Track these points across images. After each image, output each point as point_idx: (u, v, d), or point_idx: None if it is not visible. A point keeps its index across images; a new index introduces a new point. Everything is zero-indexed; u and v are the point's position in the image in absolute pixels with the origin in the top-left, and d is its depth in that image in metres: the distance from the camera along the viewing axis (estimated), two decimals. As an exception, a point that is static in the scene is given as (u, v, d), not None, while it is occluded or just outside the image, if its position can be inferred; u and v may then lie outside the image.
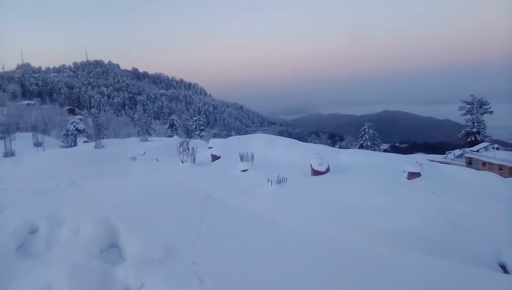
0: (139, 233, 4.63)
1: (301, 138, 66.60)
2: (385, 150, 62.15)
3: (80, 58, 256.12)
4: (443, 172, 16.41)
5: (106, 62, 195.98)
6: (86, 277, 3.69)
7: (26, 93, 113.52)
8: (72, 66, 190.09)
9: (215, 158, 20.62)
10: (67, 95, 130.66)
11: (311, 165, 15.88)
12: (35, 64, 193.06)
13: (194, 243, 4.52)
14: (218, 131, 73.79)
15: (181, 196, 6.48)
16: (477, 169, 32.70)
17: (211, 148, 22.30)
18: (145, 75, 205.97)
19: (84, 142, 37.88)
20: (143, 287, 3.67)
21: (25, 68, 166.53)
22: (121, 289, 3.72)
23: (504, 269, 7.21)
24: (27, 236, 4.95)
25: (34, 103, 78.48)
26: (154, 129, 67.78)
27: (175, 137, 35.89)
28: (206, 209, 5.81)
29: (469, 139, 50.66)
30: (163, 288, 3.53)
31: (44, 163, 18.83)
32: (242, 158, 17.77)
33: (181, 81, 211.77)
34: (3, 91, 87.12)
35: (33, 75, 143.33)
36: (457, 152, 48.56)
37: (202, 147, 24.30)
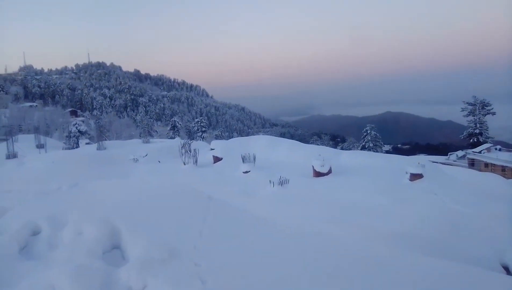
0: (142, 235, 4.64)
1: (303, 139, 66.66)
2: (387, 152, 62.03)
3: (82, 60, 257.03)
4: (445, 173, 16.37)
5: (108, 64, 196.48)
6: (89, 279, 3.70)
7: (28, 95, 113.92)
8: (74, 68, 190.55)
9: (217, 159, 20.62)
10: (69, 97, 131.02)
11: (313, 167, 15.87)
12: (37, 66, 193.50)
13: (196, 245, 4.53)
14: (220, 133, 73.88)
15: (183, 197, 6.49)
16: (480, 170, 32.63)
17: (213, 149, 22.28)
18: (147, 76, 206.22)
19: (86, 143, 37.91)
20: (145, 288, 3.68)
21: (27, 70, 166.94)
22: (124, 291, 3.73)
23: (507, 270, 7.20)
24: (29, 237, 4.96)
25: (36, 105, 78.67)
26: (156, 131, 67.88)
27: (177, 139, 35.93)
28: (208, 210, 5.82)
29: (471, 140, 50.57)
30: (165, 290, 3.54)
31: (46, 165, 18.87)
32: (244, 159, 17.77)
33: (183, 82, 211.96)
34: (6, 93, 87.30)
35: (35, 77, 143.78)
36: (460, 153, 48.50)
37: (204, 149, 24.31)
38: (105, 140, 34.00)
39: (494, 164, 36.54)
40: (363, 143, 54.60)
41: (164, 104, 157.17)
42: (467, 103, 52.14)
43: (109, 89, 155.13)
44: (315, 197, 12.45)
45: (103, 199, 6.19)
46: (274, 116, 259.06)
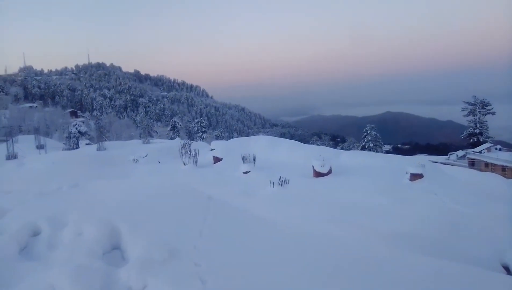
0: (142, 235, 4.64)
1: (303, 139, 66.66)
2: (387, 152, 62.02)
3: (82, 61, 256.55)
4: (445, 173, 16.38)
5: (108, 64, 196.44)
6: (89, 279, 3.69)
7: (28, 96, 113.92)
8: (74, 68, 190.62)
9: (217, 160, 20.63)
10: (69, 98, 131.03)
11: (313, 167, 15.87)
12: (37, 66, 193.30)
13: (196, 245, 4.52)
14: (220, 133, 73.88)
15: (183, 197, 6.49)
16: (480, 170, 32.62)
17: (213, 150, 22.29)
18: (147, 77, 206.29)
19: (86, 144, 37.90)
20: (145, 288, 3.68)
21: (27, 71, 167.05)
22: (124, 291, 3.73)
23: (507, 270, 7.19)
24: (29, 238, 4.96)
25: (36, 106, 78.68)
26: (156, 131, 67.91)
27: (177, 139, 35.95)
28: (208, 210, 5.82)
29: (471, 140, 50.57)
30: (165, 290, 3.53)
31: (46, 166, 18.87)
32: (244, 160, 17.77)
33: (183, 83, 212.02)
34: (6, 94, 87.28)
35: (35, 78, 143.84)
36: (460, 153, 48.48)
37: (204, 149, 24.32)
38: (105, 140, 34.04)
39: (494, 164, 36.52)
40: (363, 143, 54.60)
41: (164, 104, 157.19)
42: (467, 103, 52.14)
43: (109, 89, 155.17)
44: (315, 197, 12.45)
45: (103, 199, 6.19)
46: (274, 116, 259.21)
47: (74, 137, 40.68)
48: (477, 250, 7.87)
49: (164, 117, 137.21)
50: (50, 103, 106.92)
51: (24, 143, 30.02)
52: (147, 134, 50.96)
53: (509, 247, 7.85)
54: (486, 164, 37.70)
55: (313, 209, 10.50)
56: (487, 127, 50.81)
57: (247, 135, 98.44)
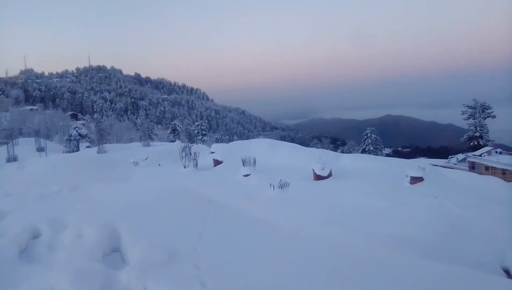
0: (142, 237, 4.64)
1: (303, 142, 66.61)
2: (387, 155, 62.04)
3: (82, 64, 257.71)
4: (445, 177, 16.36)
5: (108, 67, 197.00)
6: (89, 281, 3.69)
7: (29, 99, 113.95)
8: (74, 71, 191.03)
9: (217, 163, 20.62)
10: (70, 101, 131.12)
11: (313, 170, 15.85)
12: (38, 69, 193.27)
13: (196, 247, 4.52)
14: (220, 136, 73.88)
15: (184, 200, 6.49)
16: (480, 173, 32.60)
17: (213, 153, 22.27)
18: (147, 80, 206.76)
19: (86, 147, 37.92)
20: (145, 291, 3.67)
21: (28, 74, 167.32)
22: (124, 293, 3.72)
23: (507, 273, 7.17)
24: (29, 240, 4.96)
25: (37, 109, 78.67)
26: (157, 134, 67.88)
27: (178, 142, 35.93)
28: (208, 213, 5.82)
29: (472, 143, 50.52)
30: (165, 292, 3.53)
31: (47, 168, 18.87)
32: (244, 163, 17.76)
33: (184, 86, 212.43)
34: (6, 97, 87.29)
35: (36, 80, 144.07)
36: (460, 156, 48.48)
37: (204, 152, 24.30)
38: (106, 143, 34.01)
39: (494, 167, 36.52)
40: (364, 146, 54.56)
41: (164, 107, 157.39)
42: (467, 106, 52.13)
43: (109, 92, 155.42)
44: (315, 200, 12.44)
45: (104, 202, 6.19)
46: (274, 119, 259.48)
47: (74, 139, 40.64)
48: (478, 253, 7.85)
49: (164, 120, 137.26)
50: (50, 105, 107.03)
51: (25, 146, 30.05)
52: (148, 137, 50.97)
53: (510, 250, 7.84)
54: (487, 167, 37.69)
55: (313, 212, 10.49)
56: (488, 131, 50.78)
57: (248, 138, 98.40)
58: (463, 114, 52.75)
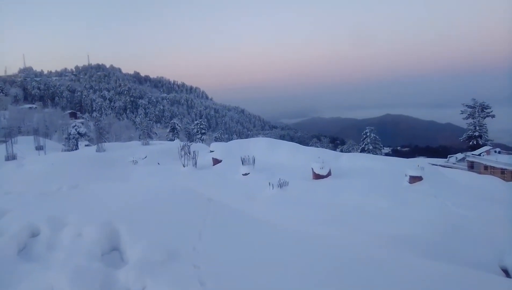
0: (141, 236, 4.64)
1: (303, 142, 66.65)
2: (386, 154, 62.15)
3: (82, 62, 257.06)
4: (445, 176, 16.37)
5: (108, 66, 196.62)
6: (88, 280, 3.69)
7: (28, 97, 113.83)
8: (74, 70, 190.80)
9: (216, 162, 20.62)
10: (69, 99, 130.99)
11: (312, 169, 15.86)
12: (37, 68, 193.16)
13: (195, 246, 4.52)
14: (219, 135, 73.91)
15: (183, 199, 6.48)
16: (479, 173, 32.67)
17: (212, 152, 22.29)
18: (146, 79, 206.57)
19: (85, 145, 37.92)
20: (144, 290, 3.67)
21: (27, 72, 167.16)
22: (123, 293, 3.72)
23: (506, 273, 7.19)
24: (28, 239, 4.95)
25: (36, 107, 78.60)
26: (156, 133, 67.90)
27: (177, 141, 35.94)
28: (207, 212, 5.81)
29: (471, 143, 50.60)
30: (164, 292, 3.53)
31: (45, 167, 18.84)
32: (243, 162, 17.78)
33: (183, 85, 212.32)
34: (5, 95, 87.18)
35: (35, 79, 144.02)
36: (459, 156, 48.58)
37: (204, 151, 24.31)
38: (105, 142, 34.03)
39: (493, 166, 36.59)
40: (363, 146, 54.61)
41: (163, 106, 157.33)
42: (466, 105, 52.20)
43: (108, 91, 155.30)
44: (314, 199, 12.45)
45: (103, 201, 6.19)
46: (273, 118, 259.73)
47: (73, 138, 40.65)
48: (477, 252, 7.87)
49: (163, 119, 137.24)
50: (49, 104, 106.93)
51: (24, 144, 30.02)
52: (147, 135, 50.99)
53: (508, 250, 7.85)
54: (486, 167, 37.77)
55: (313, 211, 10.51)
56: (487, 130, 50.86)
57: (247, 137, 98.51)
58: (462, 113, 52.83)
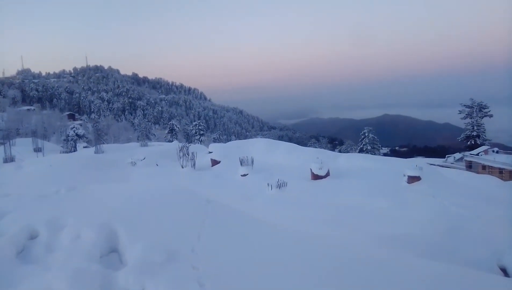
0: (140, 238, 4.64)
1: (301, 142, 66.66)
2: (385, 154, 62.19)
3: (80, 64, 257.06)
4: (443, 176, 16.40)
5: (106, 67, 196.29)
6: (87, 282, 3.69)
7: (26, 99, 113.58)
8: (72, 71, 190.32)
9: (215, 162, 20.62)
10: (67, 101, 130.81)
11: (311, 169, 15.87)
12: (35, 69, 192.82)
13: (194, 248, 4.52)
14: (218, 136, 73.87)
15: (181, 200, 6.48)
16: (477, 172, 32.71)
17: (211, 152, 22.30)
18: (145, 80, 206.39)
19: (84, 147, 37.88)
20: (143, 291, 3.67)
21: (25, 74, 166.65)
22: (122, 294, 3.72)
23: (504, 272, 7.20)
24: (27, 241, 4.95)
25: (34, 109, 78.40)
26: (154, 134, 67.83)
27: (175, 142, 35.89)
28: (206, 213, 5.81)
29: (469, 142, 50.67)
30: (163, 293, 3.53)
31: (44, 169, 18.81)
32: (242, 162, 17.78)
33: (181, 86, 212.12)
34: (3, 97, 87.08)
35: (33, 80, 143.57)
36: (457, 155, 48.64)
37: (202, 152, 24.31)
38: (103, 143, 33.94)
39: (491, 166, 36.64)
40: (361, 146, 54.66)
41: (162, 107, 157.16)
42: (464, 105, 52.28)
43: (107, 92, 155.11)
44: (313, 199, 12.46)
45: (101, 202, 6.18)
46: (272, 119, 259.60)
47: (71, 140, 40.55)
48: (475, 252, 7.89)
49: (162, 120, 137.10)
50: (48, 106, 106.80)
51: (22, 146, 29.99)
52: (145, 137, 50.95)
53: (506, 249, 7.87)
54: (484, 167, 37.81)
55: (312, 212, 10.52)
56: (484, 130, 50.92)
57: (245, 137, 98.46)
58: (460, 113, 52.90)
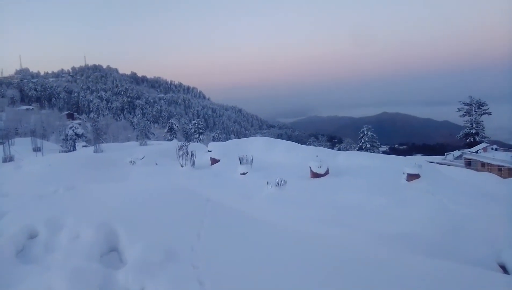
0: (139, 237, 4.63)
1: (300, 140, 66.65)
2: (384, 152, 62.23)
3: (78, 63, 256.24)
4: (442, 174, 16.41)
5: (104, 66, 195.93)
6: (86, 281, 3.69)
7: (25, 98, 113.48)
8: (70, 70, 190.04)
9: (214, 161, 20.60)
10: (66, 100, 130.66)
11: (310, 168, 15.86)
12: (33, 69, 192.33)
13: (194, 247, 4.52)
14: (217, 135, 73.87)
15: (181, 199, 6.48)
16: (476, 170, 32.72)
17: (210, 151, 22.26)
18: (143, 79, 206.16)
19: (83, 146, 37.85)
20: (143, 290, 3.67)
21: (23, 73, 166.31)
22: (121, 293, 3.72)
23: (504, 269, 7.22)
24: (26, 241, 4.95)
25: (33, 108, 78.36)
26: (153, 133, 67.81)
27: (174, 141, 35.87)
28: (205, 212, 5.81)
29: (468, 140, 50.71)
30: (163, 292, 3.53)
31: (43, 168, 18.77)
32: (241, 161, 17.77)
33: (180, 85, 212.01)
34: (2, 96, 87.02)
35: (31, 80, 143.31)
36: (456, 153, 48.63)
37: (201, 151, 24.29)
38: (102, 142, 33.93)
39: (490, 163, 36.65)
40: (360, 144, 54.70)
41: (161, 106, 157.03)
42: (463, 103, 52.31)
43: (105, 91, 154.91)
44: (312, 198, 12.46)
45: (101, 201, 6.18)
46: (271, 117, 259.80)
47: (71, 139, 40.50)
48: (475, 249, 7.90)
49: (161, 119, 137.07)
50: (46, 105, 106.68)
51: (21, 146, 29.93)
52: (144, 136, 50.95)
53: (506, 246, 7.89)
54: (483, 164, 37.84)
55: (311, 210, 10.51)
56: (483, 127, 50.97)
57: (244, 136, 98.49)
58: (459, 111, 52.94)
